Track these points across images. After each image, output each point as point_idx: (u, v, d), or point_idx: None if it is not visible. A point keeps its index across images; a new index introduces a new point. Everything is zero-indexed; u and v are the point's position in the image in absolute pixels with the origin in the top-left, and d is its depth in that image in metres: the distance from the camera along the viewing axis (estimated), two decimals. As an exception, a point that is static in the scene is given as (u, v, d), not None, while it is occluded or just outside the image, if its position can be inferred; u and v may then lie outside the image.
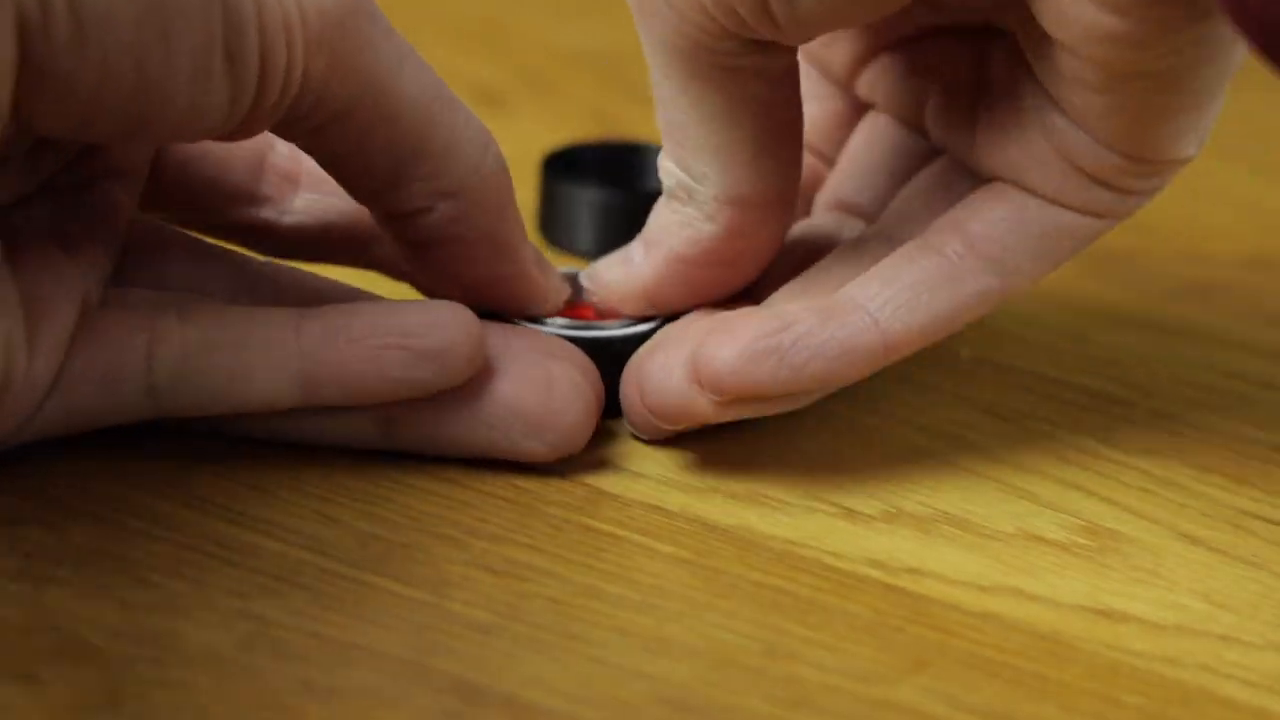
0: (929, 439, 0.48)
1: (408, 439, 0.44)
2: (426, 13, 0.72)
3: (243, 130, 0.41)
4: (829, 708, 0.39)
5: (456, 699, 0.38)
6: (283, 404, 0.43)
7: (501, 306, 0.46)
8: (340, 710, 0.37)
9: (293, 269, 0.47)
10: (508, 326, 0.46)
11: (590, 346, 0.46)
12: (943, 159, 0.48)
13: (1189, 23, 0.41)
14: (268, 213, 0.47)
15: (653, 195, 0.47)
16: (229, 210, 0.47)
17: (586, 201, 0.57)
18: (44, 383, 0.42)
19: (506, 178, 0.44)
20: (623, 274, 0.47)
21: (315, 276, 0.46)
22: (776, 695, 0.39)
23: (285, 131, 0.42)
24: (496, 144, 0.44)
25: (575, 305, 0.48)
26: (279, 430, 0.44)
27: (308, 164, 0.47)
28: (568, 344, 0.45)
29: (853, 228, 0.49)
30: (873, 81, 0.50)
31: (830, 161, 0.51)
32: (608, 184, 0.58)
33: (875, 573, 0.43)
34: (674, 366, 0.44)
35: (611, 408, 0.46)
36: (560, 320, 0.47)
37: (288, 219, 0.47)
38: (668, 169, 0.46)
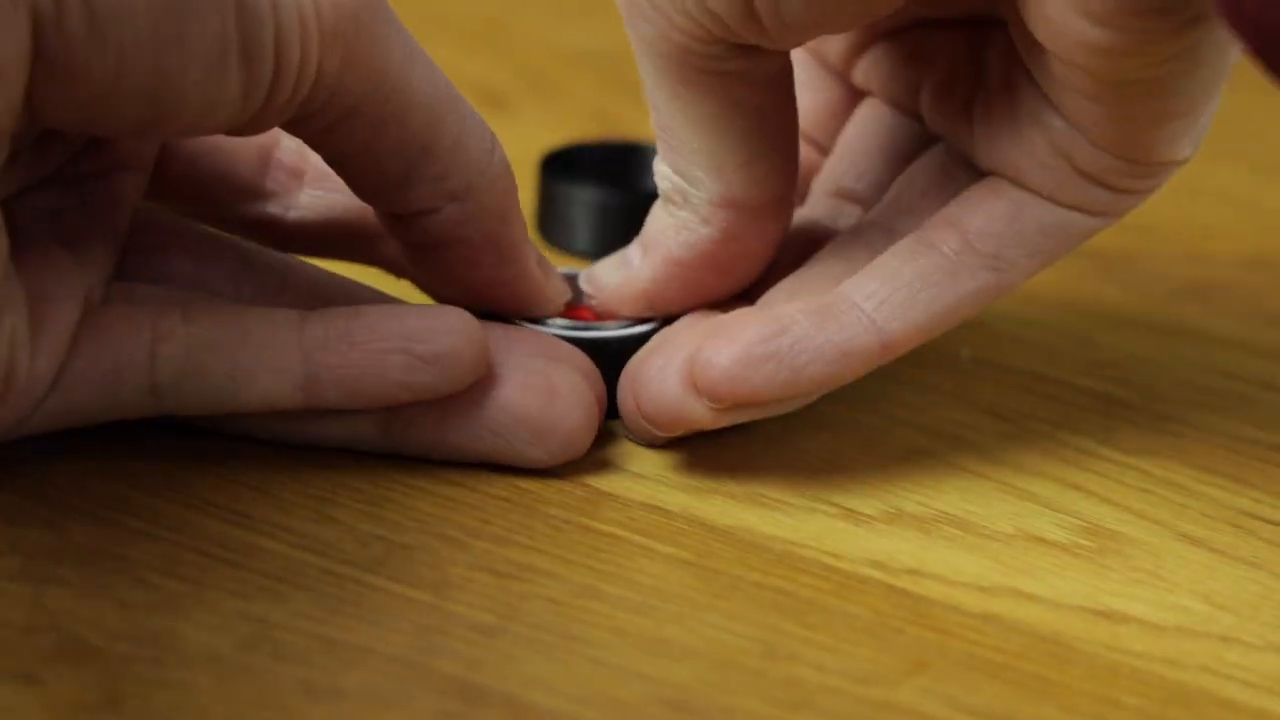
0: (929, 439, 0.48)
1: (409, 443, 0.44)
2: (428, 13, 0.72)
3: (255, 125, 0.41)
4: (829, 709, 0.39)
5: (457, 700, 0.38)
6: (284, 406, 0.43)
7: (503, 308, 0.46)
8: (341, 711, 0.37)
9: (298, 262, 0.47)
10: (509, 328, 0.46)
11: (589, 348, 0.46)
12: (939, 146, 0.48)
13: (1178, 33, 0.41)
14: (273, 208, 0.47)
15: (651, 196, 0.48)
16: (234, 205, 0.47)
17: (584, 201, 0.57)
18: (46, 380, 0.41)
19: (511, 180, 0.44)
20: (621, 277, 0.47)
21: (320, 270, 0.46)
22: (776, 696, 0.39)
23: (296, 128, 0.42)
24: (501, 146, 0.44)
25: (574, 306, 0.48)
26: (281, 431, 0.44)
27: (313, 160, 0.47)
28: (570, 346, 0.45)
29: (849, 215, 0.49)
30: (868, 70, 0.50)
31: (825, 151, 0.51)
32: (606, 184, 0.58)
33: (875, 574, 0.43)
34: (669, 373, 0.44)
35: (612, 409, 0.46)
36: (560, 321, 0.47)
37: (292, 214, 0.47)
38: (663, 173, 0.46)
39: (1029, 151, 0.45)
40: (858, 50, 0.50)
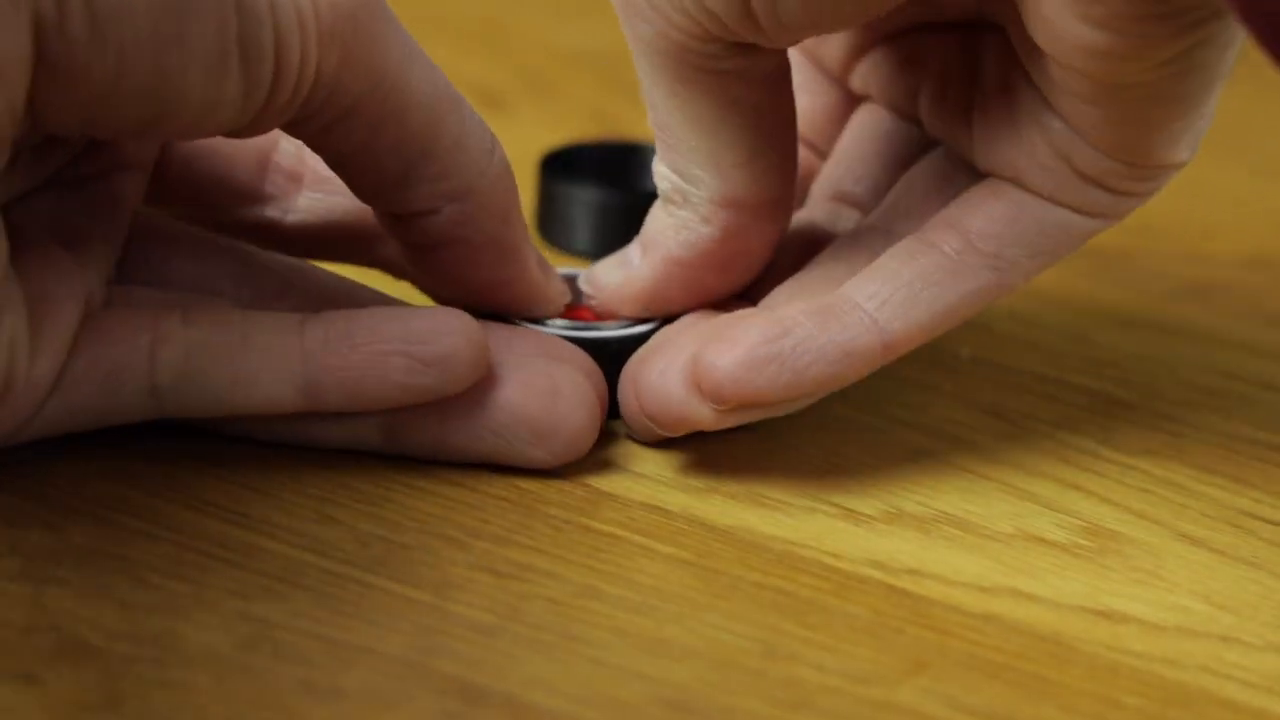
0: (929, 439, 0.48)
1: (411, 444, 0.44)
2: (426, 12, 0.72)
3: (255, 126, 0.41)
4: (829, 709, 0.39)
5: (458, 700, 0.38)
6: (285, 408, 0.43)
7: (504, 308, 0.46)
8: (341, 711, 0.37)
9: (299, 263, 0.46)
10: (510, 328, 0.46)
11: (590, 348, 0.46)
12: (938, 150, 0.48)
13: (1176, 36, 0.41)
14: (272, 211, 0.47)
15: (650, 195, 0.47)
16: (233, 208, 0.47)
17: (584, 201, 0.57)
18: (46, 383, 0.41)
19: (511, 180, 0.44)
20: (621, 277, 0.47)
21: (321, 271, 0.46)
22: (776, 696, 0.39)
23: (295, 128, 0.42)
24: (501, 146, 0.44)
25: (574, 307, 0.48)
26: (281, 433, 0.44)
27: (312, 162, 0.47)
28: (572, 346, 0.45)
29: (848, 218, 0.49)
30: (866, 75, 0.50)
31: (823, 154, 0.51)
32: (605, 184, 0.58)
33: (875, 574, 0.43)
34: (671, 374, 0.44)
35: (613, 409, 0.46)
36: (560, 321, 0.47)
37: (291, 217, 0.47)
38: (662, 173, 0.46)
39: (1028, 153, 0.45)
40: (856, 54, 0.50)
